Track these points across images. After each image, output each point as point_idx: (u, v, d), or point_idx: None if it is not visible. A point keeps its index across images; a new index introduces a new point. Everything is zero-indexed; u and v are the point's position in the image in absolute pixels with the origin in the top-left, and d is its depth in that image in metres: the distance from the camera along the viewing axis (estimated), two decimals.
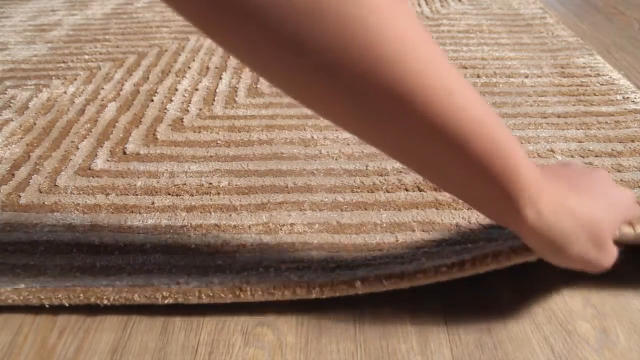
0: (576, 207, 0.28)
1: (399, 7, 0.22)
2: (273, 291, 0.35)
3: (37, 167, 0.50)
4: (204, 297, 0.36)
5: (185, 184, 0.47)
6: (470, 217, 0.42)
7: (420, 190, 0.45)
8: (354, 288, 0.35)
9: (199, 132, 0.54)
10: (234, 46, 0.23)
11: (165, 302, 0.36)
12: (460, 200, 0.44)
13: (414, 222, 0.42)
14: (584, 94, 0.59)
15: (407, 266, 0.36)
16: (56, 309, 0.37)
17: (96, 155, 0.51)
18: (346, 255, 0.39)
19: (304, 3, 0.20)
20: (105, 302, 0.36)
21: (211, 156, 0.50)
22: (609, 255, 0.30)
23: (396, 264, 0.37)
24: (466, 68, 0.65)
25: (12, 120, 0.58)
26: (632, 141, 0.51)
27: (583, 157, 0.49)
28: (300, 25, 0.21)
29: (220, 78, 0.65)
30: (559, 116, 0.55)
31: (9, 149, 0.53)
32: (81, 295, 0.36)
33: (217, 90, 0.62)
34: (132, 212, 0.44)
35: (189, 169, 0.49)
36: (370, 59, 0.22)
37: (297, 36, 0.21)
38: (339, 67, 0.22)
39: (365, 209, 0.43)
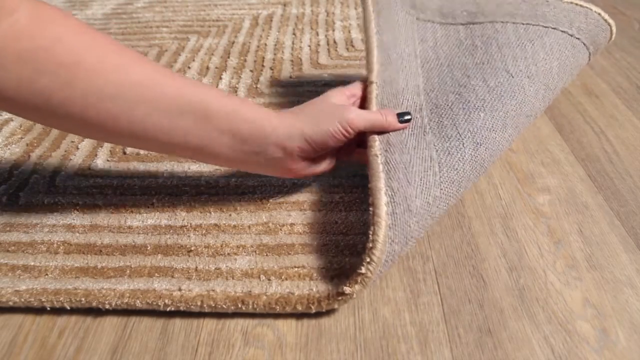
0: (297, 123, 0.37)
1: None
2: (274, 306, 0.35)
3: (37, 167, 0.50)
4: (205, 307, 0.36)
5: (185, 184, 0.47)
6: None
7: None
8: (352, 299, 0.35)
9: None
10: None
11: (168, 309, 0.36)
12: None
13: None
14: None
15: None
16: (56, 309, 0.37)
17: (96, 155, 0.51)
18: (345, 261, 0.39)
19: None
20: (107, 306, 0.36)
21: None
22: (355, 113, 0.38)
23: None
24: None
25: (12, 120, 0.58)
26: None
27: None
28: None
29: (220, 78, 0.65)
30: None
31: (9, 149, 0.53)
32: (83, 298, 0.36)
33: None
34: (132, 212, 0.44)
35: (189, 169, 0.49)
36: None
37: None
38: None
39: (366, 209, 0.43)
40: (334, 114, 0.38)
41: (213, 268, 0.38)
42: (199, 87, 0.35)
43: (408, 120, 0.40)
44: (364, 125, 0.38)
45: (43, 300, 0.36)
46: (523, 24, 0.43)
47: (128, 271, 0.38)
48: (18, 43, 0.29)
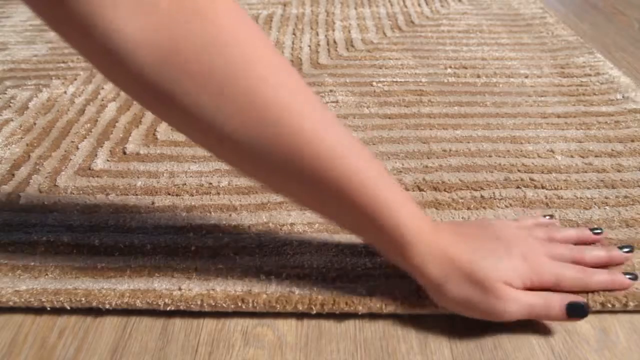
0: (456, 255, 0.31)
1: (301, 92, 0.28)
2: (275, 305, 0.35)
3: (37, 167, 0.50)
4: (205, 306, 0.36)
5: (185, 184, 0.47)
6: (470, 217, 0.42)
7: (420, 189, 0.45)
8: (354, 308, 0.35)
9: None
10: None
11: (168, 308, 0.36)
12: (459, 200, 0.44)
13: None
14: (584, 94, 0.59)
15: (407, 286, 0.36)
16: (56, 309, 0.37)
17: (96, 155, 0.51)
18: (346, 261, 0.39)
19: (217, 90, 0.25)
20: (107, 306, 0.36)
21: (211, 156, 0.50)
22: (509, 302, 0.31)
23: (396, 277, 0.37)
24: (466, 68, 0.65)
25: (12, 120, 0.58)
26: (632, 141, 0.51)
27: (583, 157, 0.49)
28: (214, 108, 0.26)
29: None
30: (558, 116, 0.55)
31: (9, 149, 0.53)
32: (83, 298, 0.36)
33: None
34: (132, 212, 0.44)
35: (189, 169, 0.49)
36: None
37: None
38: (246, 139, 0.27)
39: None
40: (485, 297, 0.31)
41: (213, 268, 0.38)
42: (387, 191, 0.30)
43: (582, 316, 0.32)
44: (516, 318, 0.32)
45: (43, 300, 0.36)
46: None
47: (128, 271, 0.38)
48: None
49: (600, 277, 0.34)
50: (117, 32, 0.24)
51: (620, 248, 0.36)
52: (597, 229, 0.39)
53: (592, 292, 0.34)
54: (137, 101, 0.29)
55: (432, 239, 0.31)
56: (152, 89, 0.26)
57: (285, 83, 0.27)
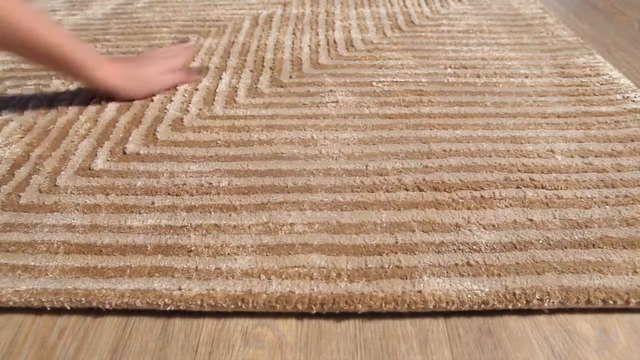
0: (125, 70, 0.60)
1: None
2: (275, 305, 0.35)
3: (37, 167, 0.50)
4: (205, 306, 0.36)
5: (185, 184, 0.47)
6: (470, 217, 0.42)
7: (420, 190, 0.45)
8: (354, 307, 0.35)
9: (199, 132, 0.54)
10: None
11: (168, 308, 0.36)
12: (459, 200, 0.44)
13: (414, 221, 0.42)
14: (584, 94, 0.59)
15: (407, 285, 0.36)
16: (56, 309, 0.37)
17: (96, 155, 0.51)
18: (346, 262, 0.39)
19: None
20: (107, 306, 0.36)
21: (211, 156, 0.50)
22: (158, 81, 0.62)
23: (396, 277, 0.37)
24: (466, 68, 0.65)
25: (12, 120, 0.58)
26: (632, 141, 0.51)
27: (583, 157, 0.49)
28: None
29: (220, 78, 0.65)
30: (558, 116, 0.55)
31: (9, 149, 0.53)
32: (83, 298, 0.36)
33: (217, 90, 0.62)
34: (132, 212, 0.44)
35: (189, 169, 0.49)
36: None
37: None
38: None
39: (365, 209, 0.43)
40: (150, 83, 0.61)
41: (213, 268, 0.38)
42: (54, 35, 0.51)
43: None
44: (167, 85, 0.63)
45: (43, 300, 0.36)
46: None
47: (128, 271, 0.38)
48: None
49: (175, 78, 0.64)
50: None
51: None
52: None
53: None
54: None
55: (110, 68, 0.58)
56: None
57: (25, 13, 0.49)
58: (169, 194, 0.46)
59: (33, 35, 0.49)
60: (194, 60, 0.69)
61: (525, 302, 0.35)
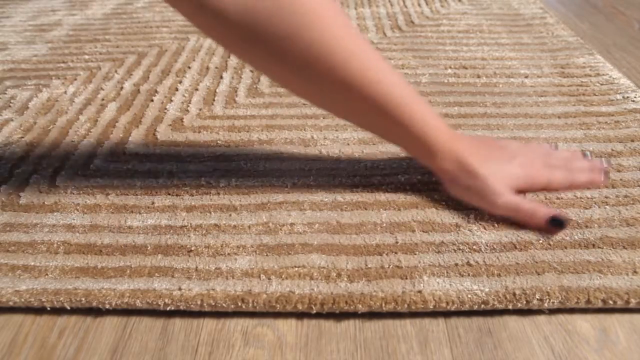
0: (467, 158, 0.41)
1: (337, 16, 0.34)
2: (275, 304, 0.35)
3: (37, 167, 0.50)
4: (205, 306, 0.36)
5: (185, 184, 0.47)
6: (470, 216, 0.42)
7: (419, 190, 0.45)
8: (354, 307, 0.35)
9: (199, 132, 0.54)
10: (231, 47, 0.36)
11: (168, 308, 0.36)
12: (462, 201, 0.44)
13: (414, 222, 0.42)
14: (584, 94, 0.59)
15: (407, 285, 0.36)
16: (56, 309, 0.37)
17: (96, 155, 0.51)
18: (346, 262, 0.39)
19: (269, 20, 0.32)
20: (107, 306, 0.36)
21: (211, 156, 0.51)
22: (501, 195, 0.41)
23: (396, 277, 0.37)
24: (466, 68, 0.65)
25: (12, 120, 0.58)
26: (632, 141, 0.51)
27: None
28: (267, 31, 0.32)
29: (221, 78, 0.65)
30: (559, 116, 0.55)
31: (9, 149, 0.53)
32: (83, 298, 0.36)
33: (217, 90, 0.62)
34: (132, 212, 0.44)
35: (189, 169, 0.49)
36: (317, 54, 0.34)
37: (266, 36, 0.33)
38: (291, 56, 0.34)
39: (365, 209, 0.43)
40: (484, 191, 0.41)
41: (213, 268, 0.38)
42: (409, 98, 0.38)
43: (560, 228, 0.40)
44: (503, 214, 0.41)
45: (43, 300, 0.36)
46: None
47: (128, 271, 0.38)
48: None
49: (582, 174, 0.44)
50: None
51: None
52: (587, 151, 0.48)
53: (578, 188, 0.44)
54: (229, 49, 0.37)
55: (451, 146, 0.41)
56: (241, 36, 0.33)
57: (357, 46, 0.35)
58: (169, 194, 0.46)
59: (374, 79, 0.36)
60: (193, 61, 0.69)
61: (525, 302, 0.35)
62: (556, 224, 0.39)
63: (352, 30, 0.35)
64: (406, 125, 0.38)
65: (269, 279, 0.37)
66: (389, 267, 0.38)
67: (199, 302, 0.36)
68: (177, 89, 0.62)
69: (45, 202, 0.46)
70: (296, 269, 0.38)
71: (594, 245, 0.39)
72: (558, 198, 0.44)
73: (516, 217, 0.40)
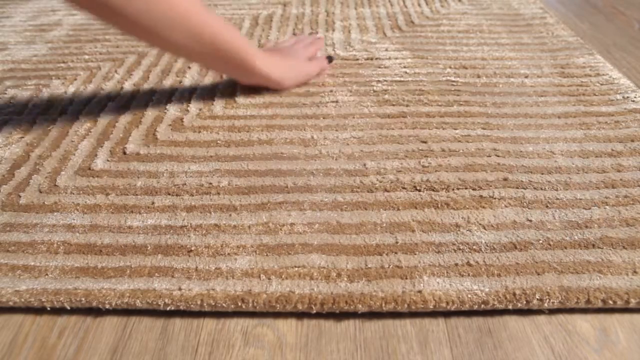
0: (281, 62, 0.60)
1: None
2: (275, 304, 0.35)
3: (37, 167, 0.50)
4: (205, 306, 0.36)
5: (185, 184, 0.47)
6: (470, 217, 0.42)
7: (419, 190, 0.45)
8: (354, 307, 0.35)
9: (199, 132, 0.54)
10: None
11: (168, 308, 0.36)
12: (459, 200, 0.44)
13: (414, 221, 0.42)
14: (584, 94, 0.59)
15: (407, 285, 0.36)
16: (56, 309, 0.37)
17: (96, 155, 0.51)
18: (346, 262, 0.39)
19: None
20: (107, 306, 0.36)
21: (211, 156, 0.50)
22: (309, 66, 0.63)
23: (396, 277, 0.37)
24: (466, 68, 0.65)
25: (12, 120, 0.58)
26: (632, 141, 0.51)
27: (583, 158, 0.49)
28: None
29: (221, 77, 0.65)
30: (559, 116, 0.55)
31: (9, 149, 0.53)
32: (83, 298, 0.36)
33: (217, 90, 0.62)
34: (132, 212, 0.44)
35: (189, 169, 0.49)
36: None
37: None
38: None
39: (365, 209, 0.43)
40: (303, 71, 0.62)
41: (213, 268, 0.38)
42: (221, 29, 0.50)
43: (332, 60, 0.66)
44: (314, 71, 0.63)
45: (43, 300, 0.36)
46: None
47: (128, 271, 0.38)
48: None
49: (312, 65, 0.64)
50: None
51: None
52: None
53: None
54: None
55: (268, 58, 0.57)
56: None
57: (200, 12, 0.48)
58: (169, 194, 0.46)
59: (191, 21, 0.47)
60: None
61: (525, 302, 0.35)
62: (330, 58, 0.65)
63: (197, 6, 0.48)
64: (232, 56, 0.52)
65: (269, 279, 0.37)
66: (388, 267, 0.38)
67: (199, 302, 0.36)
68: (177, 89, 0.62)
69: (45, 202, 0.46)
70: (296, 269, 0.38)
71: (594, 246, 0.39)
72: (557, 198, 0.44)
73: (319, 70, 0.63)
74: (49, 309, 0.36)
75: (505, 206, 0.43)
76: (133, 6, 0.43)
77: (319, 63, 0.64)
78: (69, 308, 0.36)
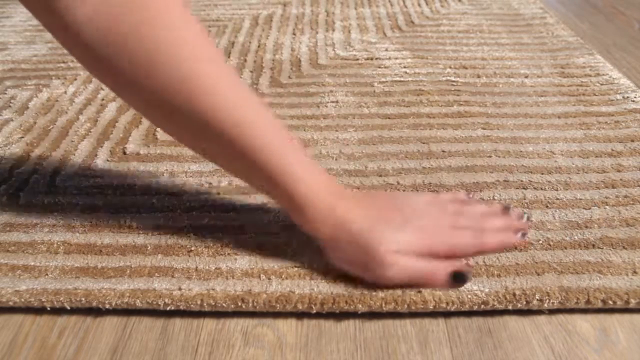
0: (348, 220, 0.34)
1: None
2: (275, 304, 0.35)
3: (37, 167, 0.50)
4: (205, 306, 0.36)
5: (185, 184, 0.47)
6: None
7: (418, 190, 0.45)
8: (354, 307, 0.35)
9: None
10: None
11: (168, 308, 0.36)
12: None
13: None
14: (584, 94, 0.59)
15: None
16: (56, 309, 0.37)
17: (96, 155, 0.51)
18: None
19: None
20: (107, 306, 0.36)
21: None
22: (391, 267, 0.33)
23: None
24: (466, 68, 0.65)
25: (12, 120, 0.58)
26: (632, 141, 0.51)
27: (583, 158, 0.49)
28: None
29: None
30: (559, 116, 0.55)
31: (9, 149, 0.53)
32: (83, 298, 0.36)
33: None
34: (132, 212, 0.44)
35: (189, 169, 0.49)
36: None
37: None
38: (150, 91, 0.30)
39: None
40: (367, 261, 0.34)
41: (213, 268, 0.38)
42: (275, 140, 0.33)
43: (463, 282, 0.34)
44: (396, 285, 0.34)
45: (43, 300, 0.36)
46: None
47: (128, 271, 0.38)
48: None
49: (494, 236, 0.36)
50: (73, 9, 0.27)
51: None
52: (508, 206, 0.40)
53: (488, 252, 0.37)
54: (88, 70, 0.32)
55: (330, 204, 0.34)
56: (98, 59, 0.29)
57: (211, 64, 0.31)
58: (169, 194, 0.46)
59: (214, 104, 0.30)
60: None
61: (525, 302, 0.35)
62: (459, 279, 0.34)
63: (217, 61, 0.32)
64: (269, 173, 0.33)
65: (269, 278, 0.37)
66: None
67: (199, 302, 0.36)
68: None
69: (45, 202, 0.45)
70: (296, 268, 0.38)
71: (593, 246, 0.39)
72: (557, 199, 0.44)
73: (415, 284, 0.34)
74: (49, 309, 0.36)
75: None
76: (110, 38, 0.28)
77: (476, 242, 0.36)
78: (69, 308, 0.36)
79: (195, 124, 0.31)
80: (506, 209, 0.39)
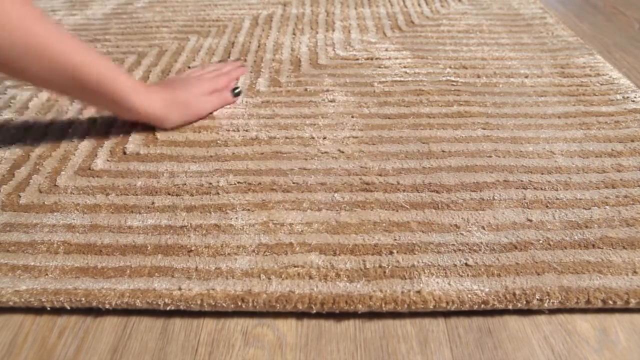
0: (167, 96, 0.53)
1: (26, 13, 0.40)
2: (275, 304, 0.35)
3: (37, 167, 0.50)
4: (205, 306, 0.36)
5: (185, 184, 0.47)
6: (470, 218, 0.42)
7: (419, 190, 0.45)
8: (354, 307, 0.35)
9: (199, 132, 0.54)
10: None
11: (168, 308, 0.36)
12: (459, 202, 0.44)
13: (413, 222, 0.42)
14: (584, 94, 0.59)
15: (406, 285, 0.36)
16: (56, 309, 0.37)
17: (96, 155, 0.51)
18: (345, 262, 0.39)
19: None
20: (107, 306, 0.36)
21: (211, 156, 0.50)
22: (205, 103, 0.56)
23: (397, 277, 0.37)
24: (466, 68, 0.65)
25: (12, 120, 0.58)
26: (632, 141, 0.51)
27: (583, 158, 0.49)
28: None
29: None
30: (559, 116, 0.55)
31: (9, 149, 0.53)
32: (83, 298, 0.36)
33: None
34: (132, 212, 0.44)
35: (189, 169, 0.49)
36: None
37: None
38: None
39: (364, 209, 0.43)
40: (192, 107, 0.55)
41: (213, 268, 0.38)
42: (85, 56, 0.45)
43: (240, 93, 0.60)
44: (211, 110, 0.57)
45: (43, 300, 0.36)
46: None
47: (128, 271, 0.38)
48: None
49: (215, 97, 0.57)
50: None
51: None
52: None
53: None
54: None
55: (151, 89, 0.51)
56: None
57: (52, 33, 0.42)
58: (169, 194, 0.46)
59: (49, 50, 0.42)
60: (193, 60, 0.69)
61: (525, 302, 0.35)
62: (236, 93, 0.59)
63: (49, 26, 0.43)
64: (101, 90, 0.46)
65: (269, 278, 0.37)
66: (388, 267, 0.38)
67: (199, 302, 0.36)
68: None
69: (45, 202, 0.45)
70: (295, 268, 0.38)
71: (593, 246, 0.39)
72: (557, 199, 0.44)
73: (219, 106, 0.57)
74: (49, 309, 0.36)
75: (506, 207, 0.43)
76: None
77: (219, 99, 0.57)
78: (69, 308, 0.36)
79: (52, 71, 0.43)
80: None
